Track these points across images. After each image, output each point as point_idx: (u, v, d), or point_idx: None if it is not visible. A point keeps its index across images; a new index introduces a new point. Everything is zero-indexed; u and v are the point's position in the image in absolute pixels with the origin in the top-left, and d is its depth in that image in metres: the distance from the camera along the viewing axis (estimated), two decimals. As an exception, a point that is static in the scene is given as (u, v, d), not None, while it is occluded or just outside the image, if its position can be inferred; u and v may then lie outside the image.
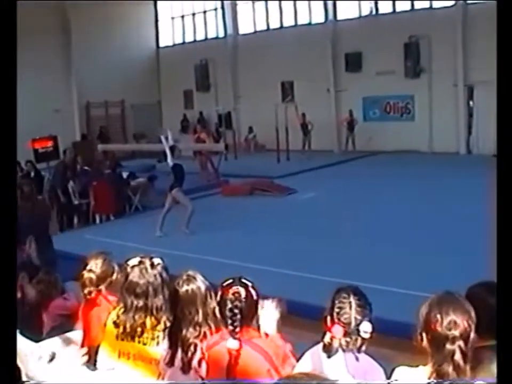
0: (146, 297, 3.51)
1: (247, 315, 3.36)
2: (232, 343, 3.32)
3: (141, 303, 3.52)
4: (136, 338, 3.57)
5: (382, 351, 5.05)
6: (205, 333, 3.35)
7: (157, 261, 3.62)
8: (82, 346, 4.35)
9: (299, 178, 19.45)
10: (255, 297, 3.43)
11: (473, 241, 9.90)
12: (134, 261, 3.63)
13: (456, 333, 2.62)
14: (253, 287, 3.45)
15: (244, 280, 3.45)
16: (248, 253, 10.87)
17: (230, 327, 3.34)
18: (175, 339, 3.35)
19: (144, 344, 3.56)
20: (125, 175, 16.77)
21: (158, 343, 3.53)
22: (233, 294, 3.37)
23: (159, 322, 3.52)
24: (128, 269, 3.60)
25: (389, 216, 13.34)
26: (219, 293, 3.43)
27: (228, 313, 3.34)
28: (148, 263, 3.58)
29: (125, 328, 3.59)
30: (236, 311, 3.33)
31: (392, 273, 9.31)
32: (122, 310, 3.59)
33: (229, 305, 3.34)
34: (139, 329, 3.56)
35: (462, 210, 13.06)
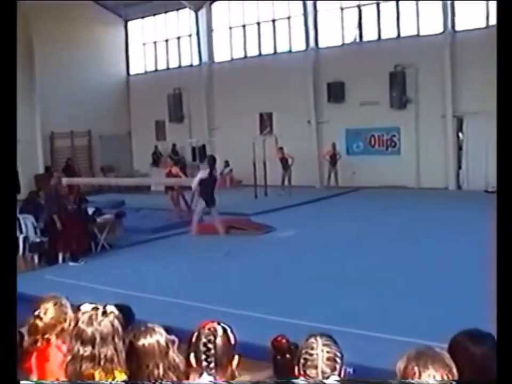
0: (93, 345, 3.39)
1: (221, 356, 3.37)
2: (207, 379, 3.36)
3: (87, 351, 3.38)
4: None
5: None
6: None
7: (110, 308, 3.51)
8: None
9: (278, 215, 18.97)
10: (232, 341, 3.45)
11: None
12: (86, 307, 3.53)
13: None
14: (232, 331, 3.47)
15: (222, 324, 3.49)
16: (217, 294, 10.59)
17: (204, 363, 3.37)
18: None
19: None
20: (90, 211, 16.13)
21: None
22: (208, 329, 3.42)
23: (107, 374, 3.36)
24: (79, 315, 3.51)
25: (372, 257, 12.77)
26: (195, 333, 3.46)
27: (202, 348, 3.37)
28: (100, 310, 3.48)
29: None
30: (210, 345, 3.37)
31: (376, 318, 8.97)
32: (69, 358, 3.44)
33: (203, 340, 3.38)
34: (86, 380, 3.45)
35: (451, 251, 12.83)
